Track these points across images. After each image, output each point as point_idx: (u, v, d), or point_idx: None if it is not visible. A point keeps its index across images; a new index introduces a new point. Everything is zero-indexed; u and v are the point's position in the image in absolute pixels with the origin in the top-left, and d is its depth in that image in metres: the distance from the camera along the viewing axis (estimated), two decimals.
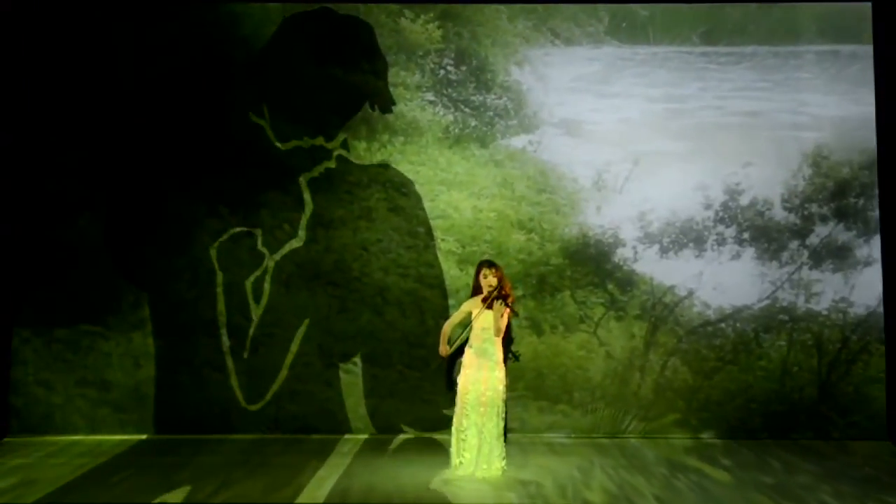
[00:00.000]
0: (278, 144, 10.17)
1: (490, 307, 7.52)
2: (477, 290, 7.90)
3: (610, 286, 10.11)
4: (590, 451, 9.16)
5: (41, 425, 9.90)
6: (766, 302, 10.04)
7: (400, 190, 10.19)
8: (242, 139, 10.21)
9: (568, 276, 10.12)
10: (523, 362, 9.81)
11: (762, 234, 10.10)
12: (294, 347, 10.03)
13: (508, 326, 7.89)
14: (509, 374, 9.59)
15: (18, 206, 10.13)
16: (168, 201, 10.16)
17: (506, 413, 7.88)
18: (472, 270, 9.53)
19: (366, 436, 9.83)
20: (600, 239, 10.13)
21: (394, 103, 10.17)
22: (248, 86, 10.24)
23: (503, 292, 7.56)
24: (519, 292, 10.00)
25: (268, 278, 10.07)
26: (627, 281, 10.12)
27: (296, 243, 10.12)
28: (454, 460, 7.64)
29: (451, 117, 10.26)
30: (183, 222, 10.14)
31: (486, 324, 7.59)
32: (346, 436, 9.82)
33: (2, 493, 7.49)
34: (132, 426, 9.95)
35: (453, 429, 7.70)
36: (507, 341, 7.93)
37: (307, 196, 10.13)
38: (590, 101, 10.28)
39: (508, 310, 7.58)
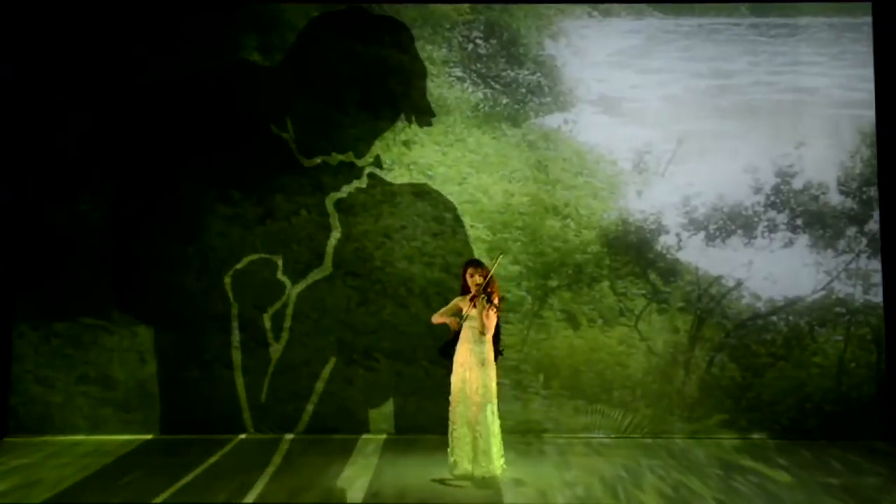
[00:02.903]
0: (302, 159, 10.03)
1: (475, 306, 7.68)
2: (465, 290, 7.95)
3: (652, 276, 9.96)
4: (634, 451, 9.02)
5: (39, 425, 9.76)
6: (821, 293, 9.87)
7: (425, 172, 10.04)
8: (255, 118, 10.07)
9: (607, 265, 9.97)
10: (558, 358, 9.80)
11: (817, 220, 9.93)
12: (313, 345, 9.94)
13: (498, 324, 7.91)
14: (529, 371, 9.58)
15: (13, 188, 9.99)
16: (175, 184, 10.02)
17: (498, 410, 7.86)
18: (502, 259, 9.51)
19: (389, 436, 9.69)
20: (641, 225, 9.98)
21: (433, 114, 10.02)
22: (268, 77, 10.16)
23: (488, 290, 7.69)
24: (554, 283, 9.90)
25: (289, 312, 9.95)
26: (671, 271, 9.96)
27: (319, 273, 9.98)
28: (450, 459, 7.71)
29: (480, 94, 10.11)
30: (191, 207, 10.01)
31: (474, 322, 7.71)
32: (368, 436, 9.67)
33: (2, 495, 7.36)
34: (137, 426, 9.80)
35: (448, 428, 7.77)
36: (498, 339, 7.95)
37: (334, 219, 9.98)
38: (630, 76, 10.13)
39: (494, 309, 7.71)
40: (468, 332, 7.77)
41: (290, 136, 10.02)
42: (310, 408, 9.83)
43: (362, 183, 9.97)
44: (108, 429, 9.78)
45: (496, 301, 7.78)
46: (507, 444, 8.90)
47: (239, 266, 9.94)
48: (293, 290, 9.92)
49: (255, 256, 9.95)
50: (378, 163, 10.00)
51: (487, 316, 7.70)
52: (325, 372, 9.87)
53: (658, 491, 7.40)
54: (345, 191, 9.97)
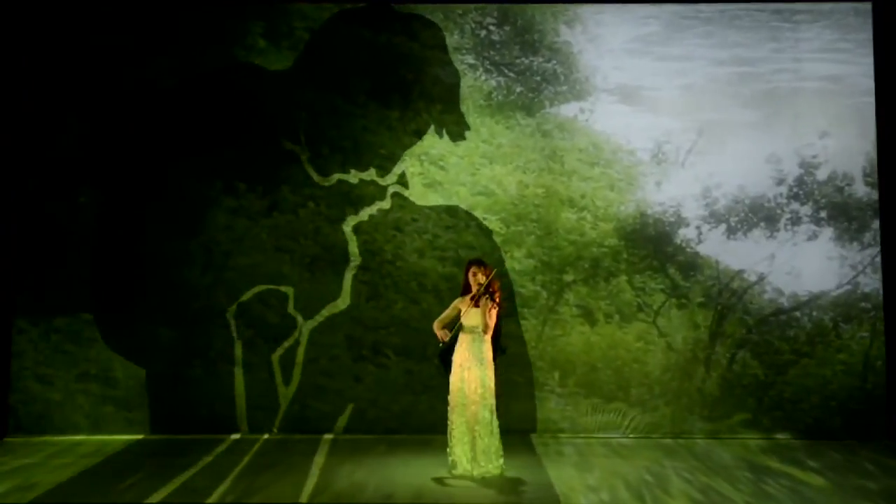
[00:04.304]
0: (319, 179, 9.74)
1: (477, 305, 7.69)
2: (466, 289, 7.88)
3: (671, 270, 9.70)
4: (655, 452, 8.76)
5: (38, 425, 9.50)
6: (846, 288, 9.61)
7: (437, 163, 9.77)
8: (260, 108, 9.80)
9: (624, 259, 9.71)
10: (574, 355, 9.58)
11: (841, 213, 9.67)
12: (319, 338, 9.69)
13: (499, 324, 7.87)
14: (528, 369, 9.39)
15: (12, 179, 9.70)
16: (178, 176, 9.74)
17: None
18: (517, 252, 9.44)
19: (400, 436, 9.39)
20: (660, 218, 9.72)
21: (468, 128, 9.74)
22: (275, 66, 9.88)
23: (491, 289, 7.69)
24: (569, 277, 9.65)
25: (301, 351, 9.67)
26: (690, 265, 9.70)
27: (337, 307, 9.69)
28: (449, 459, 7.68)
29: (493, 83, 9.84)
30: (195, 200, 9.73)
31: (474, 321, 7.72)
32: (379, 436, 9.38)
33: (2, 496, 7.11)
34: (140, 425, 9.55)
35: (448, 428, 7.77)
36: (497, 338, 7.93)
37: (353, 246, 9.69)
38: (648, 64, 9.85)
39: (496, 307, 7.72)
40: (468, 331, 7.72)
41: (304, 155, 9.72)
42: (317, 406, 9.56)
43: (385, 204, 9.69)
44: (109, 428, 9.52)
45: (498, 299, 7.74)
46: (523, 445, 8.77)
47: (244, 298, 9.67)
48: (305, 326, 9.65)
49: (262, 287, 9.66)
50: (403, 181, 9.71)
51: (489, 315, 7.66)
52: (333, 370, 9.63)
53: (687, 495, 7.12)
54: (365, 213, 9.69)
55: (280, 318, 9.67)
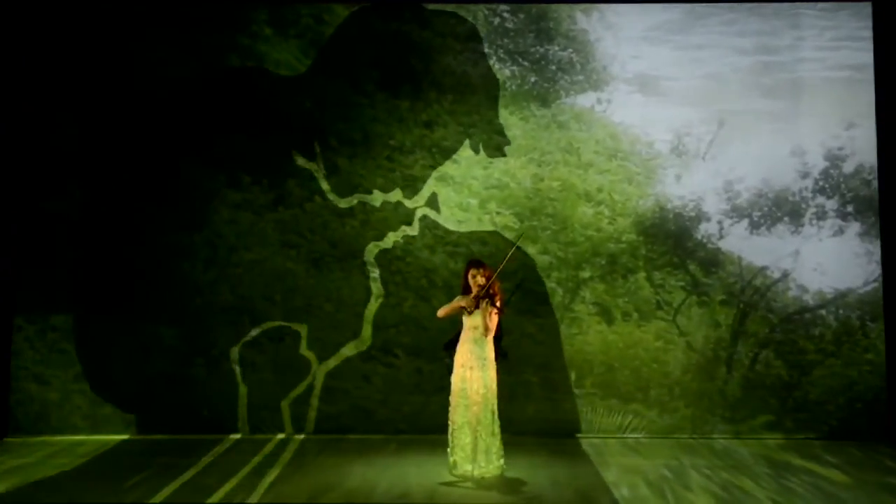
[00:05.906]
0: (336, 199, 9.91)
1: (478, 306, 7.84)
2: (466, 290, 8.01)
3: (691, 267, 9.83)
4: (673, 450, 8.92)
5: (35, 425, 9.66)
6: (874, 285, 9.72)
7: (449, 156, 9.93)
8: (265, 98, 9.98)
9: (643, 254, 9.85)
10: (591, 355, 9.69)
11: (869, 207, 9.78)
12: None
13: (500, 325, 7.99)
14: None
15: (11, 176, 9.87)
16: (180, 169, 9.92)
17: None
18: (531, 248, 9.56)
19: (409, 437, 9.52)
20: (680, 212, 9.85)
21: (508, 141, 9.92)
22: (282, 55, 10.04)
23: (490, 291, 7.83)
24: (586, 274, 9.78)
25: (315, 395, 9.83)
26: (712, 261, 9.83)
27: (350, 350, 9.86)
28: (449, 459, 7.85)
29: (507, 72, 10.00)
30: (198, 193, 9.90)
31: (476, 323, 7.89)
32: (387, 436, 9.53)
33: (1, 497, 7.27)
34: (140, 426, 9.70)
35: (448, 428, 7.93)
36: (500, 340, 8.06)
37: (374, 282, 9.86)
38: (668, 53, 10.00)
39: (497, 311, 7.89)
40: (469, 332, 7.88)
41: (320, 172, 9.90)
42: (323, 406, 9.72)
43: (413, 230, 9.85)
44: (108, 429, 9.67)
45: (498, 302, 7.86)
46: (538, 445, 8.87)
47: (248, 339, 9.85)
48: (319, 369, 9.83)
49: (273, 324, 9.84)
50: (434, 204, 9.88)
51: (490, 317, 7.80)
52: (341, 370, 9.79)
53: (707, 491, 7.28)
54: (390, 239, 9.86)
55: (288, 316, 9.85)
